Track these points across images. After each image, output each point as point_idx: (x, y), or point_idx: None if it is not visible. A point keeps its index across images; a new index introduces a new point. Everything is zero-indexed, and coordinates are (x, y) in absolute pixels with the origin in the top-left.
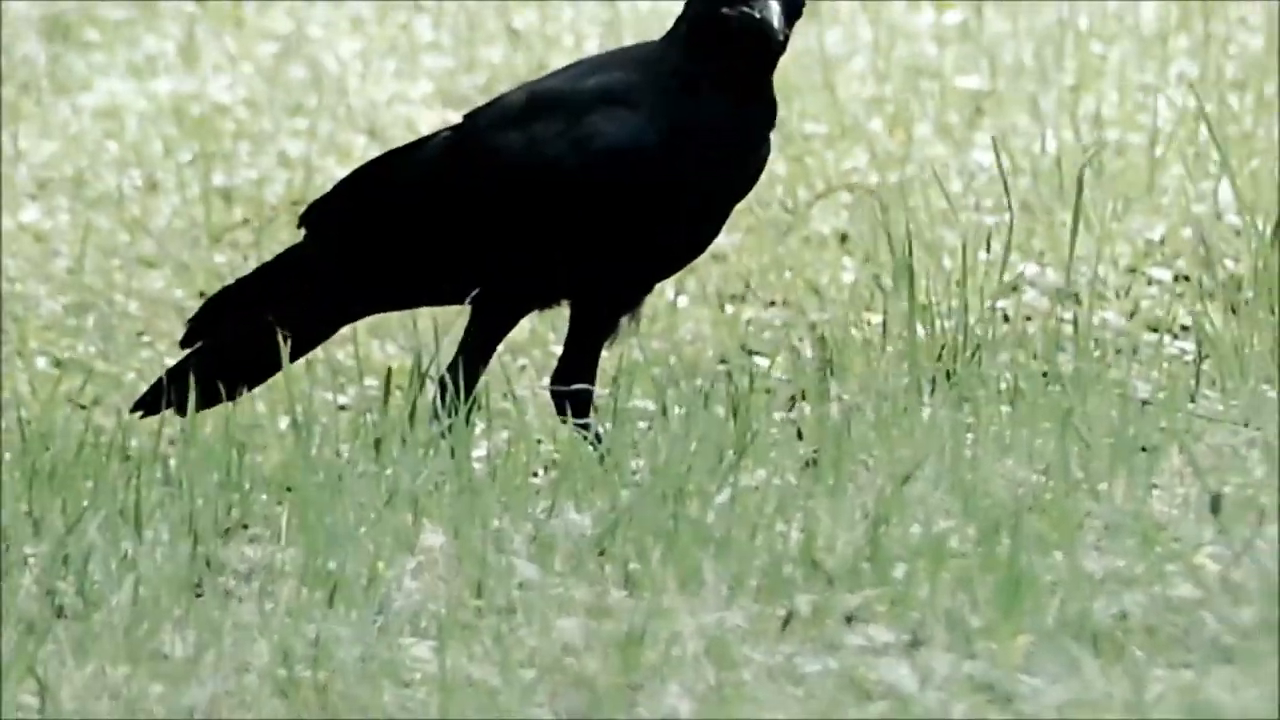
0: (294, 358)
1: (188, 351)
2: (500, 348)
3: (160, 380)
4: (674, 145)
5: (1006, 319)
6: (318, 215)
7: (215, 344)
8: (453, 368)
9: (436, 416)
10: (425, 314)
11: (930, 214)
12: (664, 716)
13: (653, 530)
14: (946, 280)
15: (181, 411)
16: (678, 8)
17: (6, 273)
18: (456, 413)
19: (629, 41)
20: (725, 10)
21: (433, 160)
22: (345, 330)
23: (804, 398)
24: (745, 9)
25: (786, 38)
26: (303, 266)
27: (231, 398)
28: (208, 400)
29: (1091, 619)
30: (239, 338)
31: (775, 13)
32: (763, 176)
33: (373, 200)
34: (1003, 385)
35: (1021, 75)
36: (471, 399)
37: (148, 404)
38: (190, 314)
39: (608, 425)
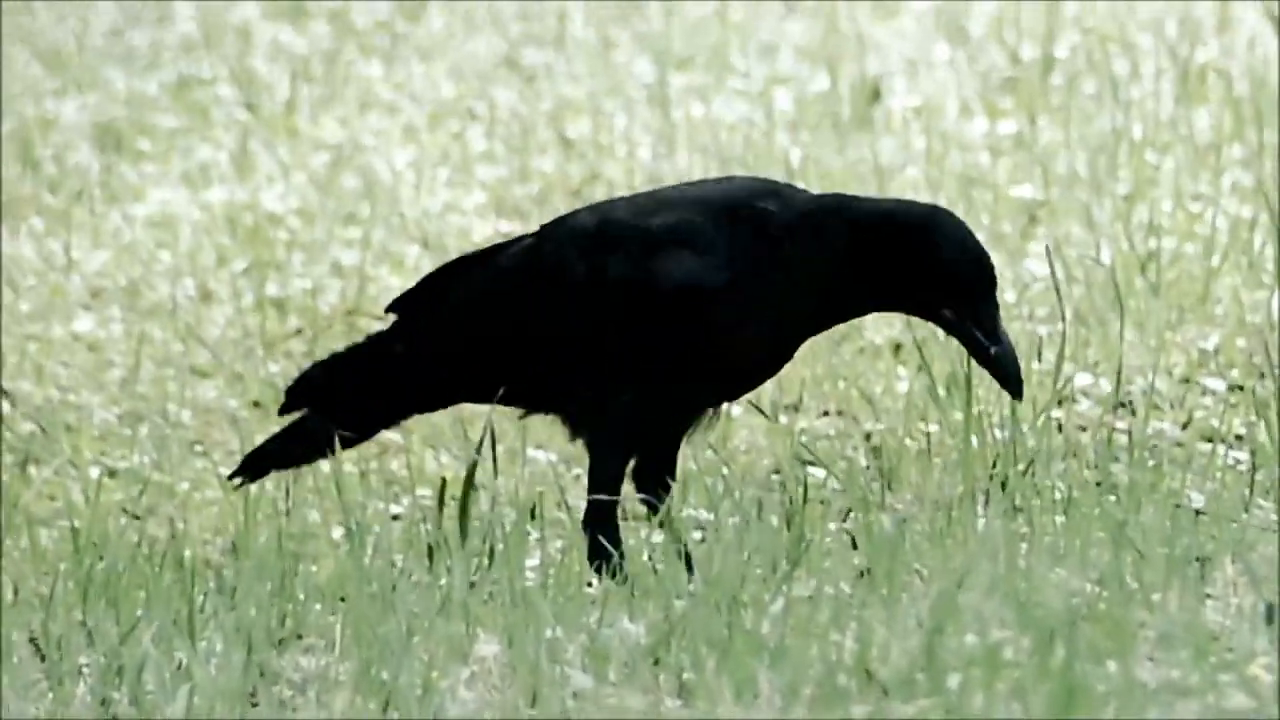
0: (367, 435)
1: (283, 425)
2: (554, 456)
3: (257, 450)
4: (730, 294)
5: (1060, 429)
6: (404, 305)
7: (307, 418)
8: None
9: (595, 563)
10: (478, 422)
11: None
12: None
13: (707, 640)
14: (999, 391)
15: (285, 466)
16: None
17: (58, 382)
18: (610, 560)
19: (681, 150)
20: (949, 316)
21: (510, 269)
22: (399, 439)
23: (859, 508)
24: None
25: None
26: (387, 351)
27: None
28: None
29: None
30: (326, 415)
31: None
32: None
33: (451, 299)
34: (1056, 495)
35: (1075, 184)
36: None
37: (244, 472)
38: (243, 425)
39: (659, 536)
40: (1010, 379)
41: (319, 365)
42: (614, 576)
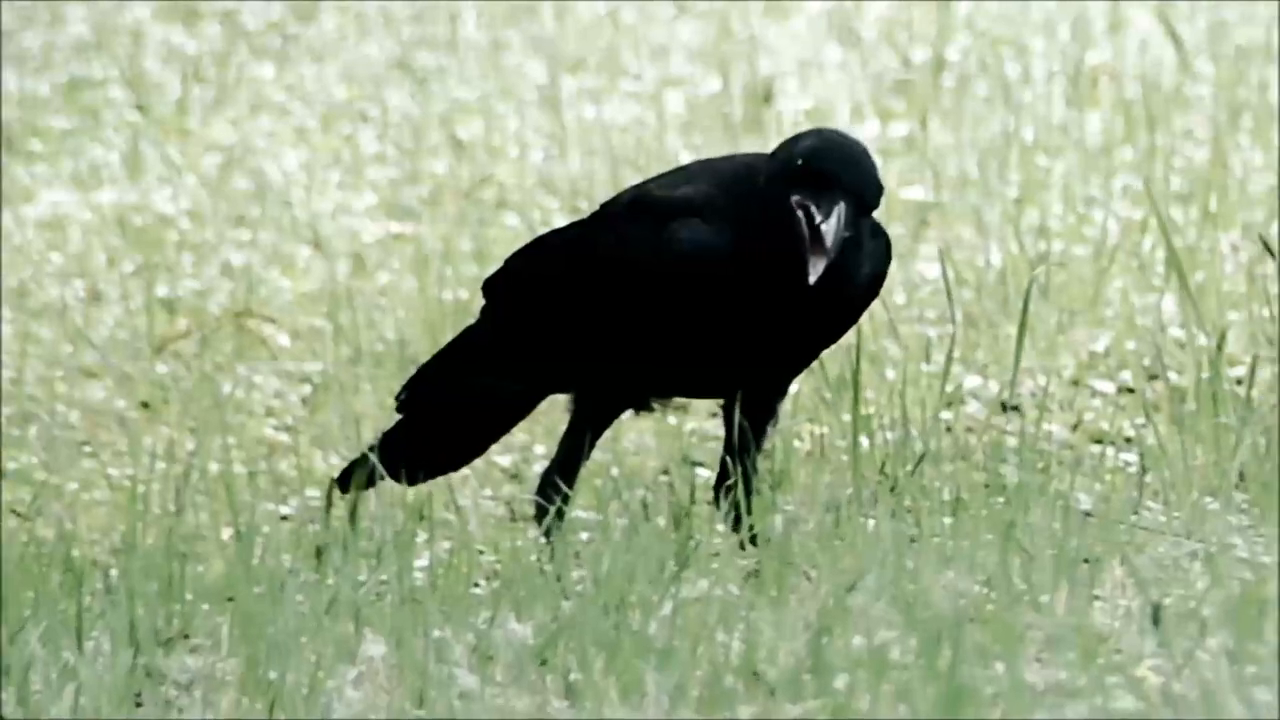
0: (497, 435)
1: (390, 427)
2: None
3: (362, 455)
4: (746, 257)
5: (949, 430)
6: (491, 288)
7: (417, 420)
8: (553, 465)
9: (539, 516)
10: (369, 425)
11: (873, 325)
12: None
13: (594, 641)
14: (889, 391)
15: (407, 480)
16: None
17: None
18: (561, 513)
19: (573, 152)
20: (795, 204)
21: (559, 249)
22: (288, 440)
23: (748, 509)
24: (810, 212)
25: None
26: (479, 339)
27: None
28: (411, 476)
29: None
30: (438, 415)
31: (833, 241)
32: None
33: (521, 280)
34: (945, 497)
35: (966, 187)
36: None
37: (348, 480)
38: (132, 426)
39: (548, 537)
40: (819, 248)
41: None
42: (548, 535)
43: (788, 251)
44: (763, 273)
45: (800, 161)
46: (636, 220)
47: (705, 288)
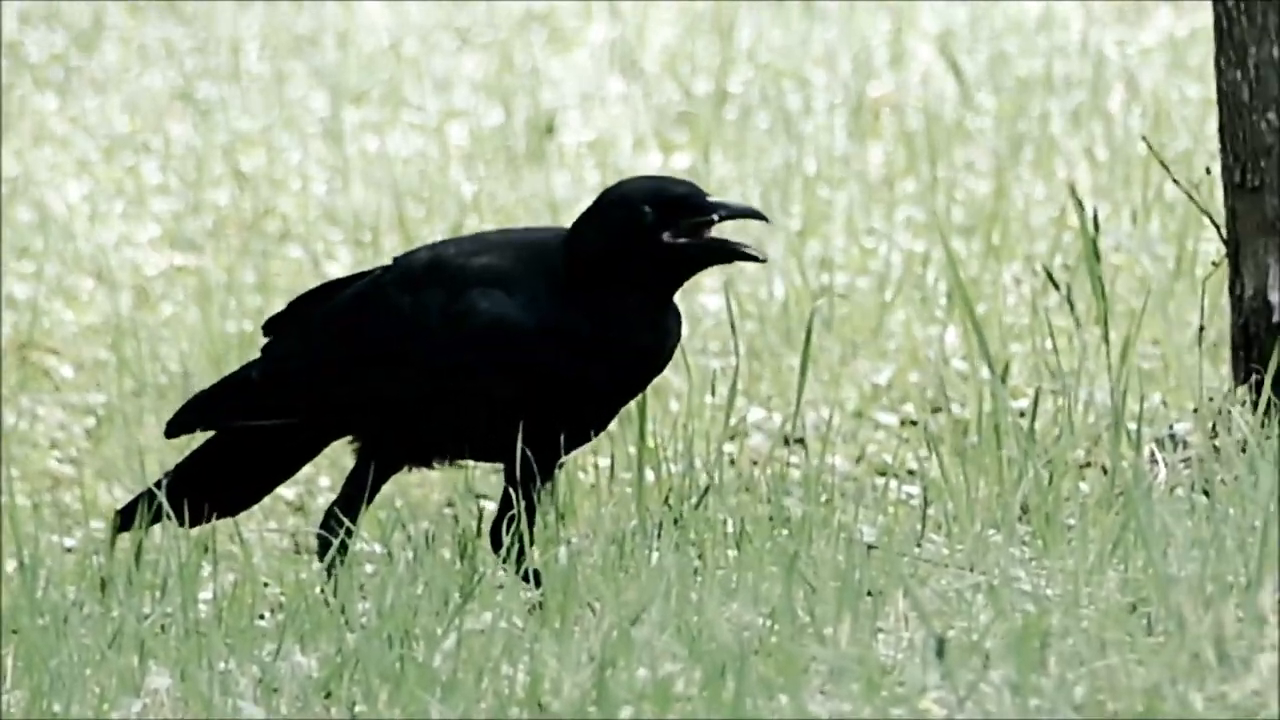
0: (281, 477)
1: (173, 466)
2: None
3: (145, 493)
4: (543, 331)
5: (733, 462)
6: (273, 328)
7: (194, 462)
8: (337, 502)
9: (322, 550)
10: (153, 457)
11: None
12: None
13: (379, 673)
14: (673, 424)
15: (190, 520)
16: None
17: None
18: (345, 549)
19: (356, 184)
20: (668, 239)
21: (349, 300)
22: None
23: (531, 540)
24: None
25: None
26: (258, 377)
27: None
28: (194, 516)
29: None
30: (215, 457)
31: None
32: None
33: (305, 327)
34: (729, 529)
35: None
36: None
37: (126, 518)
38: None
39: (331, 571)
40: (749, 213)
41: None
42: (330, 570)
43: (595, 320)
44: (568, 343)
45: (644, 202)
46: (433, 285)
47: (501, 360)
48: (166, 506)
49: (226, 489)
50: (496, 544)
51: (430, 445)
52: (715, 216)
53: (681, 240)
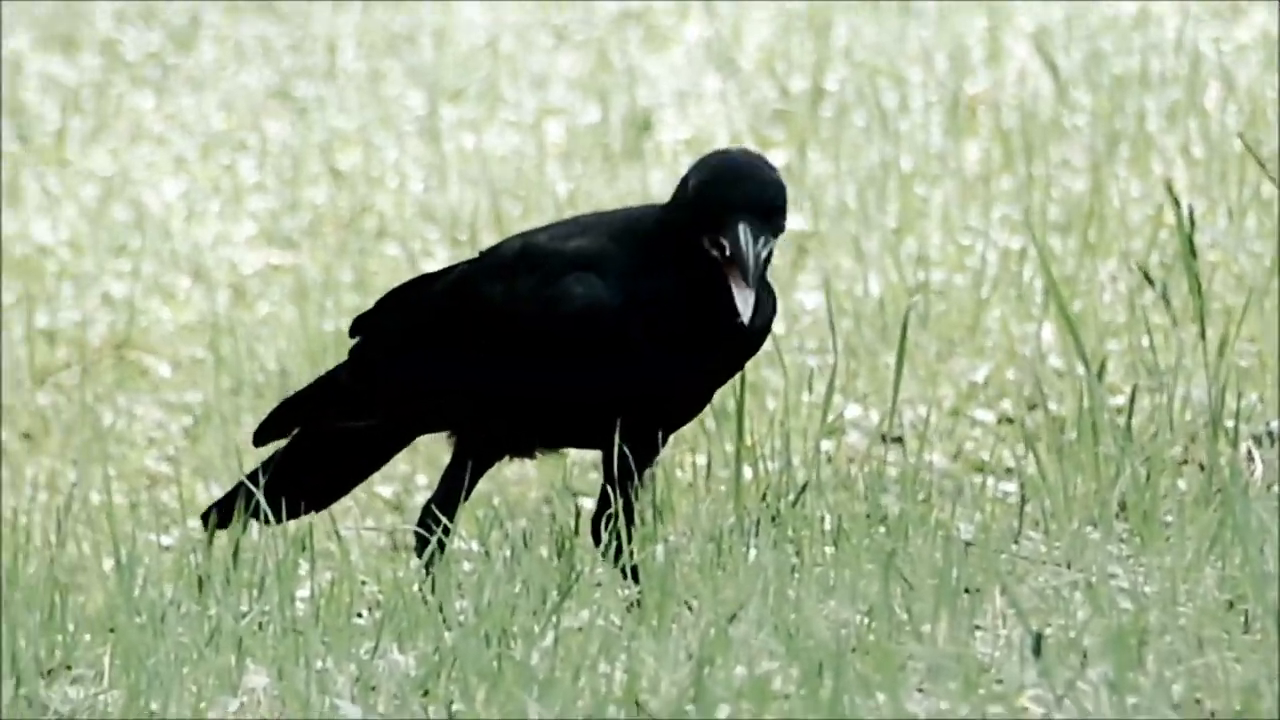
0: (368, 472)
1: (262, 462)
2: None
3: (234, 490)
4: (637, 312)
5: (830, 460)
6: (362, 327)
7: (285, 457)
8: (435, 499)
9: (420, 547)
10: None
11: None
12: None
13: (477, 671)
14: (770, 421)
15: (276, 518)
16: (503, 147)
17: None
18: (443, 547)
19: (452, 182)
20: (707, 245)
21: (440, 294)
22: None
23: (628, 539)
24: (721, 247)
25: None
26: (346, 379)
27: (299, 514)
28: (280, 513)
29: None
30: (305, 451)
31: (753, 262)
32: None
33: (397, 322)
34: (826, 526)
35: (845, 216)
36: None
37: (220, 514)
38: (13, 457)
39: (429, 569)
40: (740, 280)
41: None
42: (428, 568)
43: (693, 298)
44: (663, 324)
45: (693, 197)
46: (527, 271)
47: (599, 344)
48: (263, 502)
49: (317, 483)
50: (597, 539)
51: (530, 435)
52: (723, 250)
53: (711, 249)
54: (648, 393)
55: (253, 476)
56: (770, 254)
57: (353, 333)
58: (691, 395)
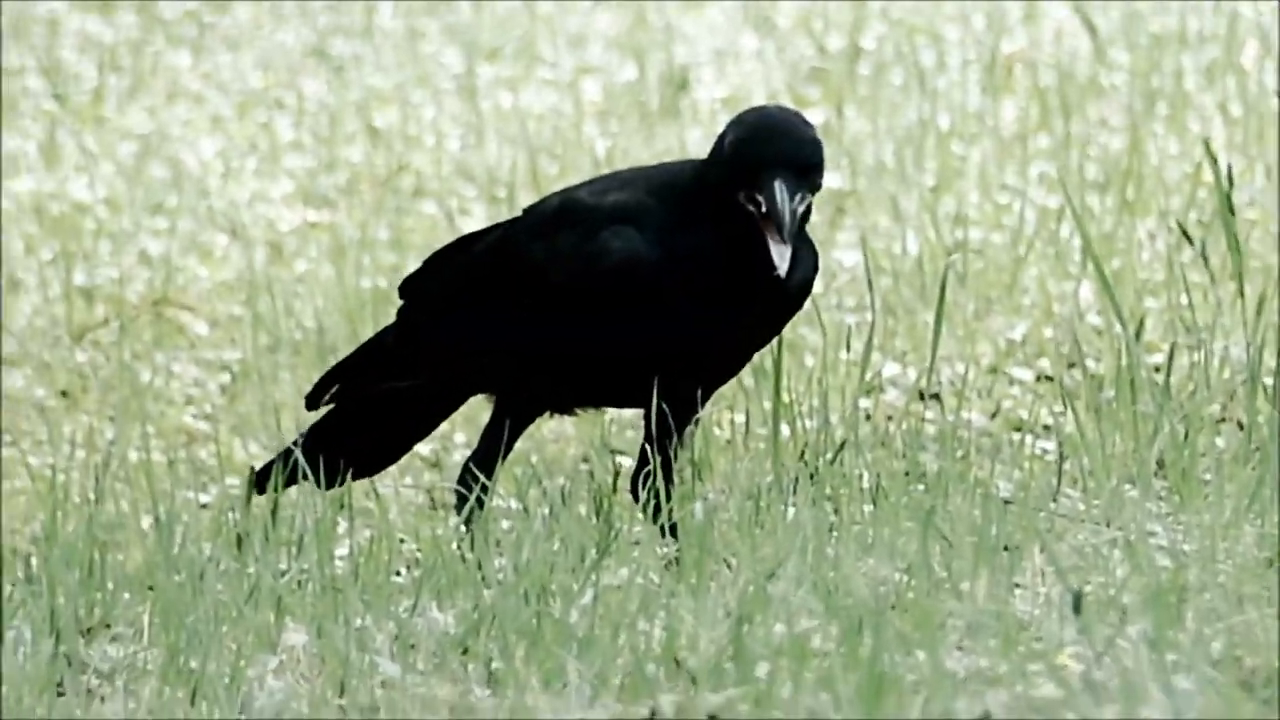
0: (420, 436)
1: (310, 425)
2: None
3: (281, 453)
4: (675, 266)
5: (868, 418)
6: (409, 289)
7: (337, 420)
8: (473, 456)
9: (459, 505)
10: (288, 413)
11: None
12: None
13: (515, 629)
14: (808, 379)
15: (327, 482)
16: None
17: None
18: (482, 504)
19: (490, 140)
20: (743, 201)
21: (482, 253)
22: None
23: (667, 497)
24: (756, 203)
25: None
26: (395, 341)
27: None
28: (330, 479)
29: (954, 719)
30: (358, 415)
31: (788, 218)
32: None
33: (442, 282)
34: (865, 484)
35: (882, 175)
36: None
37: (265, 478)
38: (51, 414)
39: (469, 526)
40: (776, 236)
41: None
42: (467, 525)
43: (730, 253)
44: (701, 278)
45: (730, 154)
46: (566, 227)
47: (638, 298)
48: (305, 467)
49: (364, 449)
50: (636, 497)
51: (570, 392)
52: (759, 206)
53: (746, 204)
54: (685, 348)
55: (302, 439)
56: (809, 210)
57: (401, 295)
58: (729, 352)
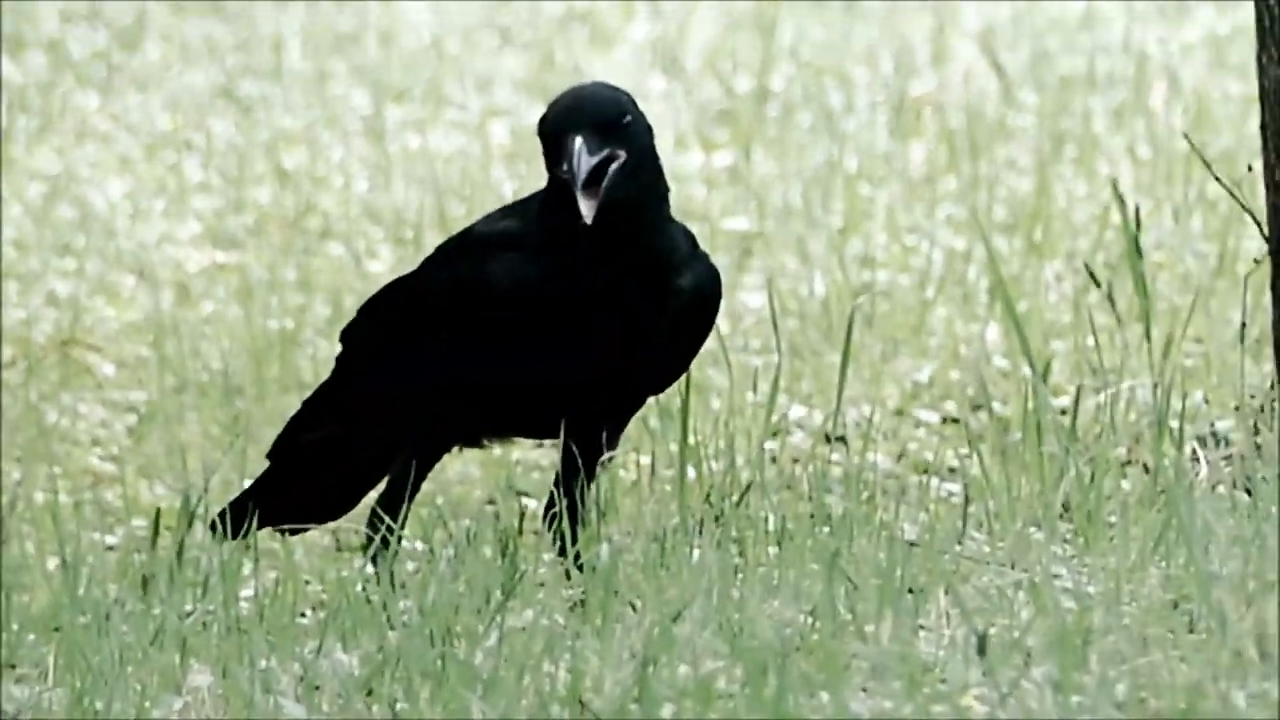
0: (367, 484)
1: (261, 474)
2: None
3: (237, 499)
4: (554, 282)
5: (774, 460)
6: (347, 337)
7: (287, 469)
8: (380, 499)
9: (366, 546)
10: (194, 455)
11: (698, 356)
12: None
13: (420, 670)
14: (715, 421)
15: (278, 529)
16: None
17: None
18: (386, 542)
19: (398, 182)
20: (562, 175)
21: (399, 295)
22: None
23: (573, 538)
24: (564, 171)
25: (621, 195)
26: (334, 388)
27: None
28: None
29: None
30: (307, 465)
31: (583, 168)
32: None
33: (364, 328)
34: (771, 526)
35: (790, 217)
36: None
37: (231, 519)
38: None
39: (373, 567)
40: (573, 178)
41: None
42: (374, 563)
43: (604, 261)
44: (580, 289)
45: (540, 135)
46: (463, 258)
47: (529, 320)
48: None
49: (316, 498)
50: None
51: (482, 421)
52: (564, 169)
53: (563, 175)
54: (584, 363)
55: (254, 485)
56: (628, 165)
57: (340, 342)
58: (630, 373)
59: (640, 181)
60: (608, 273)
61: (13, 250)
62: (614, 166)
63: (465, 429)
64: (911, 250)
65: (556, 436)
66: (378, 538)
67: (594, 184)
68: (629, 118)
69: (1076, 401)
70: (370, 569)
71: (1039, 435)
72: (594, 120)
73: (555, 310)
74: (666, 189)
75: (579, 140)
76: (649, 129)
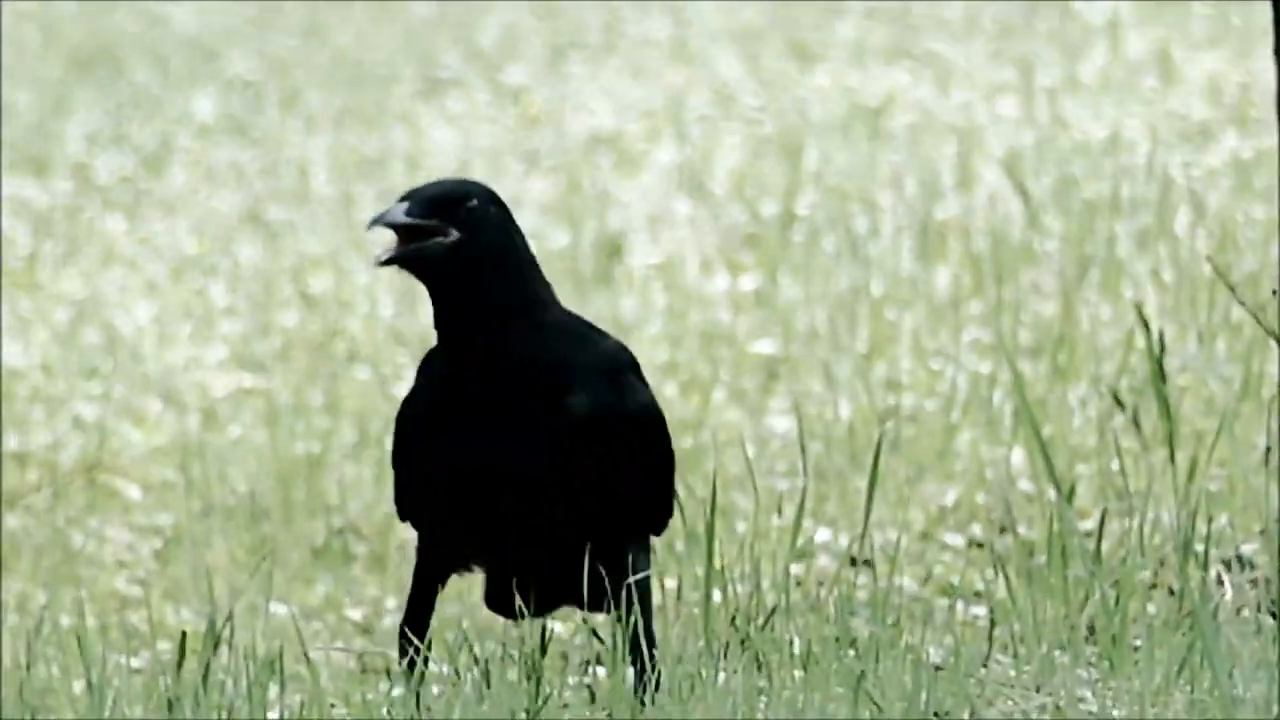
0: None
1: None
2: (295, 609)
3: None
4: (445, 394)
5: (799, 584)
6: None
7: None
8: (404, 619)
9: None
10: (220, 579)
11: (724, 479)
12: None
13: None
14: (740, 544)
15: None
16: None
17: None
18: (413, 664)
19: (423, 305)
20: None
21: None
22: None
23: (598, 661)
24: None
25: (445, 274)
26: None
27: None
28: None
29: None
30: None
31: (389, 215)
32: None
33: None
34: (796, 650)
35: (815, 341)
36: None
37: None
38: None
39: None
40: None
41: None
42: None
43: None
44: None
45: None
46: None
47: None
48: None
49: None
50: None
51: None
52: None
53: (385, 256)
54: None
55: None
56: (460, 247)
57: None
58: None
59: (482, 274)
60: (490, 377)
61: (40, 374)
62: (439, 238)
63: (448, 551)
64: (937, 374)
65: (536, 571)
66: (405, 659)
67: (411, 240)
68: (474, 203)
69: (1101, 525)
70: (397, 690)
71: (1064, 558)
72: (430, 195)
73: (456, 414)
74: (538, 296)
75: (405, 204)
76: (511, 230)
